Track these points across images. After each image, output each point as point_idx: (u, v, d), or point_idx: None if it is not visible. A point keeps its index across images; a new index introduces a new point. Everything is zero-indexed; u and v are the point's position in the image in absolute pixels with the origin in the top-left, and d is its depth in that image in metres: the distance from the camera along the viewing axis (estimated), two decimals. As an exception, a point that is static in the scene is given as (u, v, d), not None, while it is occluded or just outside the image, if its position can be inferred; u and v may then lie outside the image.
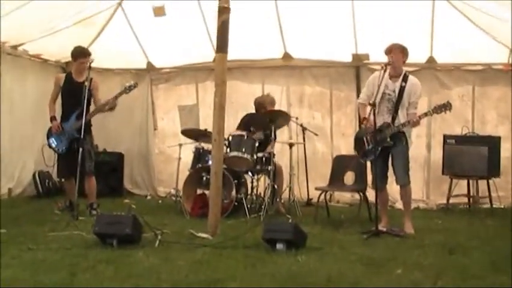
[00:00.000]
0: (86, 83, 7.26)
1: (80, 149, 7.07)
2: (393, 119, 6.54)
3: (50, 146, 7.64)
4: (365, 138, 6.69)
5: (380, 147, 6.47)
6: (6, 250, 5.12)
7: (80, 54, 7.54)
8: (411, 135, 6.74)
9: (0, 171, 8.52)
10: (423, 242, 5.88)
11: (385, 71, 6.49)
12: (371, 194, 7.56)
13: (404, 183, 6.61)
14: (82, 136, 7.09)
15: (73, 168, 7.06)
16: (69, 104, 7.50)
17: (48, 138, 7.63)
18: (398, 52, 6.57)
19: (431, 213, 8.37)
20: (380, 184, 6.57)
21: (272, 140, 7.87)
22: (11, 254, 5.00)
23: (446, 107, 6.40)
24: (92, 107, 7.51)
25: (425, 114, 6.47)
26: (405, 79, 6.57)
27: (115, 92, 7.55)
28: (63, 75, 7.79)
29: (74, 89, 7.38)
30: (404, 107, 6.51)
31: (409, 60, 6.80)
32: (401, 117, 6.50)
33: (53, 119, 7.60)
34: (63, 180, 8.10)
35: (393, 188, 6.96)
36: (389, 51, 6.58)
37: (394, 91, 6.56)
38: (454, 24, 8.24)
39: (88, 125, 7.45)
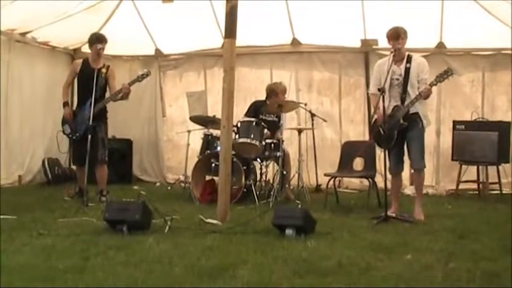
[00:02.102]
0: (103, 70, 7.29)
1: (89, 136, 7.07)
2: (403, 100, 6.50)
3: (64, 132, 7.66)
4: (380, 128, 6.63)
5: (397, 132, 6.43)
6: (17, 236, 5.15)
7: (96, 39, 7.53)
8: (427, 115, 6.67)
9: (1, 159, 8.53)
10: (433, 228, 5.88)
11: (394, 55, 6.46)
12: (380, 180, 7.56)
13: (420, 167, 6.58)
14: (90, 123, 7.10)
15: (86, 155, 7.09)
16: (84, 90, 7.47)
17: (63, 124, 7.64)
18: (404, 36, 6.52)
19: (441, 199, 8.34)
20: (395, 170, 6.56)
21: (281, 126, 7.86)
22: (22, 240, 5.03)
23: (447, 73, 6.32)
24: (107, 95, 7.52)
25: (430, 85, 6.36)
26: (409, 60, 6.53)
27: (124, 78, 7.56)
28: (80, 61, 7.76)
29: (90, 76, 7.33)
30: (415, 87, 6.44)
31: (419, 45, 6.77)
32: (413, 97, 6.45)
33: (65, 105, 7.62)
34: (74, 166, 8.12)
35: (402, 173, 6.93)
36: (397, 36, 6.50)
37: (401, 75, 6.52)
38: (464, 9, 8.16)
39: (103, 112, 7.48)
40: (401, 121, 6.41)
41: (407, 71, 6.49)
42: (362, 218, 6.44)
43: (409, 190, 8.44)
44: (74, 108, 7.77)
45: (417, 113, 6.47)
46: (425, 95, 6.37)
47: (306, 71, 9.74)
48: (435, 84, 6.42)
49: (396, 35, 6.49)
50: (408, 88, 6.47)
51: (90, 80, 7.27)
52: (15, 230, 5.43)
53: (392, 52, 6.50)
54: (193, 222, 6.01)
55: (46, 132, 9.23)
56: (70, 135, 7.60)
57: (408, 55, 6.58)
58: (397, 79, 6.53)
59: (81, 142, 7.43)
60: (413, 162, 6.59)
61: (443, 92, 8.87)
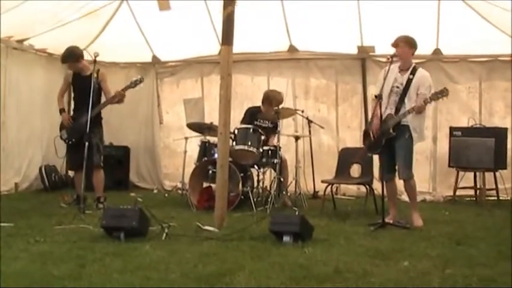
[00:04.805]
0: (95, 74, 7.32)
1: (87, 143, 7.08)
2: (397, 110, 6.50)
3: (61, 137, 7.70)
4: (370, 132, 6.66)
5: (384, 139, 6.45)
6: (14, 243, 5.15)
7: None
8: (421, 130, 6.61)
9: (0, 166, 8.52)
10: (430, 234, 5.88)
11: (391, 63, 6.46)
12: (377, 187, 7.57)
13: (406, 177, 6.56)
14: (88, 129, 7.09)
15: (82, 160, 7.08)
16: (79, 98, 7.57)
17: (60, 130, 7.69)
18: (403, 45, 6.51)
19: (438, 205, 8.34)
20: (387, 176, 6.54)
21: (278, 133, 7.88)
22: (19, 246, 5.03)
23: (443, 93, 6.31)
24: (103, 99, 7.56)
25: (424, 102, 6.37)
26: (413, 72, 6.52)
27: (121, 85, 7.57)
28: (71, 72, 7.78)
29: (82, 84, 7.41)
30: (412, 99, 6.43)
31: (415, 52, 6.76)
32: (407, 108, 6.44)
33: (62, 111, 7.71)
34: (70, 173, 8.13)
35: (400, 180, 6.93)
36: (395, 44, 6.52)
37: (402, 84, 6.52)
38: (460, 15, 8.19)
39: (98, 117, 7.50)
40: (391, 130, 6.42)
41: (409, 82, 6.48)
42: (359, 224, 6.44)
43: (406, 197, 8.43)
44: (71, 114, 7.84)
45: (407, 126, 6.45)
46: (418, 111, 6.37)
47: (303, 77, 9.76)
48: (430, 102, 6.40)
49: (395, 43, 6.52)
50: (406, 99, 6.47)
51: (83, 87, 7.34)
52: (12, 236, 5.42)
53: (388, 59, 6.51)
54: (190, 229, 6.00)
55: (43, 140, 9.23)
56: (67, 141, 7.63)
57: (414, 66, 6.59)
58: (397, 87, 6.52)
59: (76, 148, 7.48)
60: (399, 173, 6.58)
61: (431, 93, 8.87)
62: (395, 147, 6.52)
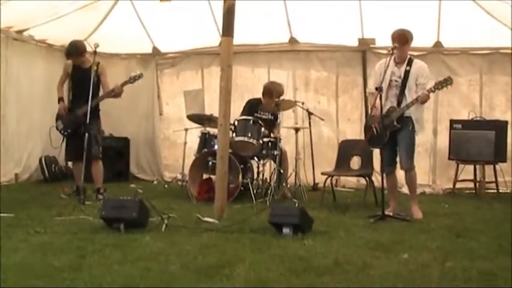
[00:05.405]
0: (94, 67, 7.30)
1: (87, 135, 7.07)
2: (399, 102, 6.49)
3: (57, 128, 7.69)
4: (373, 126, 6.63)
5: (388, 132, 6.44)
6: (14, 234, 5.15)
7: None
8: (422, 121, 6.64)
9: (0, 156, 8.53)
10: (430, 226, 5.88)
11: (392, 55, 6.44)
12: (377, 179, 7.56)
13: (408, 168, 6.56)
14: (88, 121, 7.09)
15: (80, 152, 7.09)
16: (78, 90, 7.58)
17: (56, 120, 7.69)
18: (411, 42, 6.52)
19: (438, 197, 8.35)
20: (388, 168, 6.54)
21: (278, 125, 7.87)
22: (19, 237, 5.04)
23: (447, 81, 6.34)
24: (101, 92, 7.55)
25: (428, 91, 6.36)
26: (409, 63, 6.52)
27: (121, 77, 7.57)
28: (70, 62, 7.77)
29: (82, 76, 7.40)
30: (412, 90, 6.43)
31: (416, 45, 6.76)
32: (409, 100, 6.44)
33: (60, 100, 7.70)
34: (70, 163, 8.12)
35: (400, 172, 6.94)
36: (405, 41, 6.45)
37: (400, 77, 6.51)
38: (461, 8, 8.16)
39: (96, 109, 7.49)
40: (395, 123, 6.41)
41: (406, 74, 6.47)
42: (358, 216, 6.44)
43: (407, 189, 8.44)
44: (69, 104, 7.85)
45: (409, 117, 6.46)
46: (422, 100, 6.37)
47: (303, 69, 9.74)
48: (434, 91, 6.41)
49: (405, 40, 6.45)
50: (406, 91, 6.47)
51: (82, 79, 7.32)
52: (12, 227, 5.43)
53: (389, 51, 6.49)
54: (190, 221, 6.01)
55: (43, 130, 9.16)
56: (62, 131, 7.63)
57: (410, 58, 6.58)
58: (396, 81, 6.52)
59: (74, 139, 7.49)
60: (401, 164, 6.58)
61: (440, 91, 8.83)
62: (398, 139, 6.52)
